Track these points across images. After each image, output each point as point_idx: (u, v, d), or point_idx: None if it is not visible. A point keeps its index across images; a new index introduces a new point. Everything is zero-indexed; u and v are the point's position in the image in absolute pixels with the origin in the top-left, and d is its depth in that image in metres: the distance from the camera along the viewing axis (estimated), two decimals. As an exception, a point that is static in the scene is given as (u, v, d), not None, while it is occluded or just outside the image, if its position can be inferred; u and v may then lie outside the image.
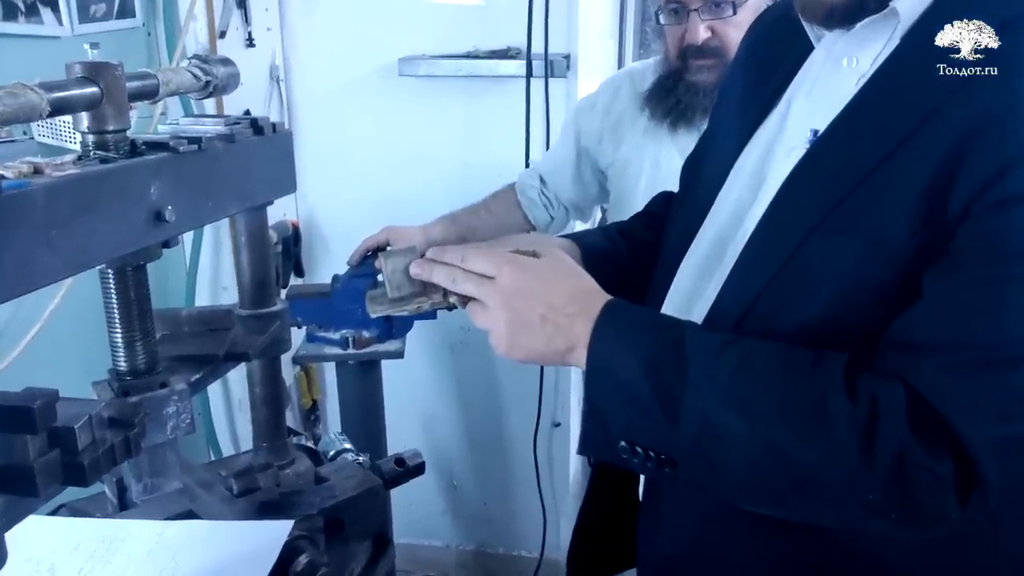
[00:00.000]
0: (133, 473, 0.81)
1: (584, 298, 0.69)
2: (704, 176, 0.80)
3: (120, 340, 0.79)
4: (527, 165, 1.90)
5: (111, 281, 0.77)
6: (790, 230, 0.65)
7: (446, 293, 0.77)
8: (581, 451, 0.71)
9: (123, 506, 0.90)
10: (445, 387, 2.24)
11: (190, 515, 0.90)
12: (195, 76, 0.85)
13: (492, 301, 0.70)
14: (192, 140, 0.76)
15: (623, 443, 0.67)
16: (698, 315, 0.73)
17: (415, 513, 2.19)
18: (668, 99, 1.45)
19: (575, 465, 2.27)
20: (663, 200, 1.00)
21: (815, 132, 0.67)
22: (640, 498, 0.83)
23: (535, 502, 2.19)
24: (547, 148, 1.91)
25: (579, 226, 2.03)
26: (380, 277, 0.81)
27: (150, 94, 0.78)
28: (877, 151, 0.62)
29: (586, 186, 1.68)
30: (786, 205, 0.67)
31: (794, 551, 0.70)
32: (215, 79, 0.89)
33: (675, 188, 1.44)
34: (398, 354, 1.66)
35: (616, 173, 1.59)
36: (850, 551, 0.68)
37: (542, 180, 1.70)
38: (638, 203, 1.53)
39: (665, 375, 0.64)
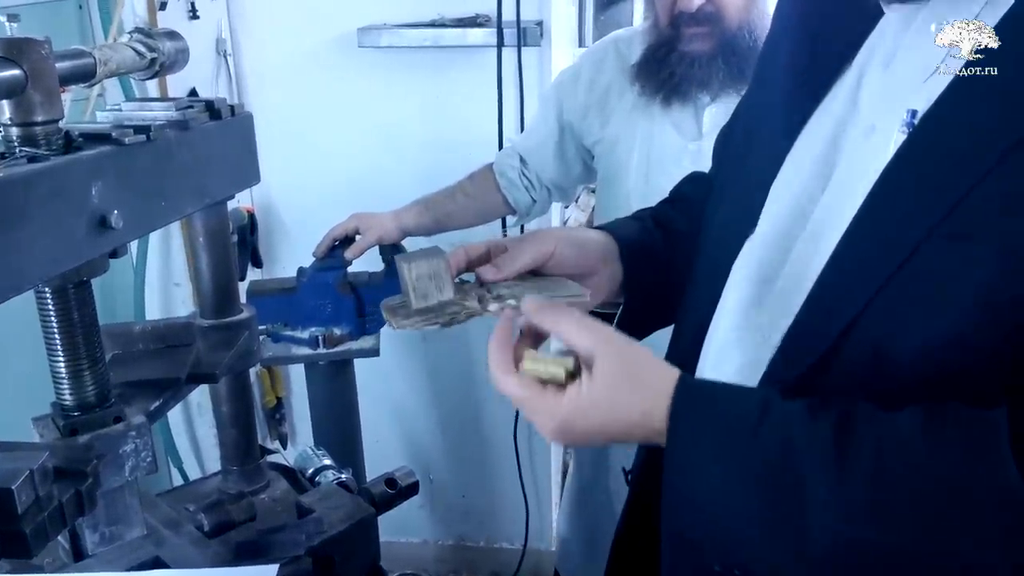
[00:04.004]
0: (88, 522, 0.70)
1: (648, 416, 0.56)
2: (752, 161, 0.70)
3: (64, 370, 0.68)
4: (500, 140, 1.80)
5: (49, 303, 0.65)
6: (899, 232, 0.54)
7: (481, 299, 0.66)
8: None
9: (77, 555, 0.79)
10: (418, 376, 2.15)
11: (156, 563, 0.79)
12: (138, 53, 0.73)
13: (543, 425, 0.58)
14: (139, 129, 0.66)
15: (718, 568, 0.56)
16: (762, 328, 0.62)
17: (390, 509, 2.10)
18: (660, 72, 1.35)
19: (557, 452, 2.20)
20: (695, 181, 0.88)
21: (913, 113, 0.57)
22: None
23: (516, 492, 2.11)
24: (520, 122, 1.81)
25: (556, 208, 1.93)
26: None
27: (86, 76, 0.66)
28: (1008, 131, 0.51)
29: (569, 165, 1.58)
30: (890, 200, 0.56)
31: None
32: (161, 55, 0.77)
33: (674, 165, 1.37)
34: (373, 352, 1.54)
35: (604, 151, 1.49)
36: None
37: (522, 160, 1.59)
38: (631, 182, 1.44)
39: (776, 489, 0.52)
